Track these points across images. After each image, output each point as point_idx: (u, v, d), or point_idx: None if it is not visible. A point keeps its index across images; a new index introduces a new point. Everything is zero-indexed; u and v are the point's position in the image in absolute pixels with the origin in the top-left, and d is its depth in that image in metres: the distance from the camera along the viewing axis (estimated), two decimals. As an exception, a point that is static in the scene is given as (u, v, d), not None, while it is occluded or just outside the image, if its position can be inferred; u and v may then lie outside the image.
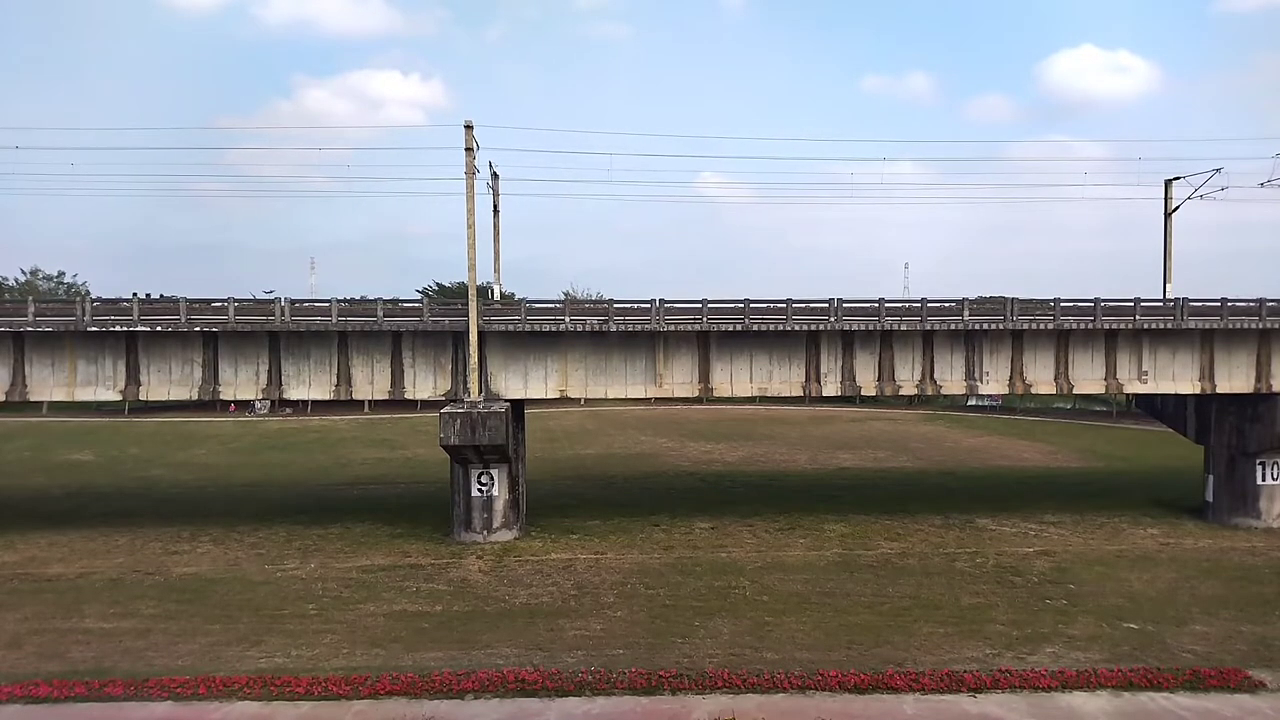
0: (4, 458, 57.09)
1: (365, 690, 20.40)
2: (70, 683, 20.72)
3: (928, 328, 34.46)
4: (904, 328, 34.45)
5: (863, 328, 34.32)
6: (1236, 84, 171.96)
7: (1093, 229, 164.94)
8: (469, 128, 33.61)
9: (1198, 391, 36.12)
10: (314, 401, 64.65)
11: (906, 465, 53.82)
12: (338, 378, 34.53)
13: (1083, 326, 34.77)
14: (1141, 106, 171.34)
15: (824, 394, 35.67)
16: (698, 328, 33.79)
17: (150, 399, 35.25)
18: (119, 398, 34.94)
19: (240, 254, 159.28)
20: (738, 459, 56.35)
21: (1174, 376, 35.92)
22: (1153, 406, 42.08)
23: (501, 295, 43.03)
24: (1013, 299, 34.90)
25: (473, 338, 33.14)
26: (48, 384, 33.82)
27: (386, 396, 34.97)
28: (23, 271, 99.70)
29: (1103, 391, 37.14)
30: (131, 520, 38.03)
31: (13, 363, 33.44)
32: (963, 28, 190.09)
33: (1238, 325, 34.93)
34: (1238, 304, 35.10)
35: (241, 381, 34.36)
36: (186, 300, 33.12)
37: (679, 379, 35.21)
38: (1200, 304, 35.17)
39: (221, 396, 35.58)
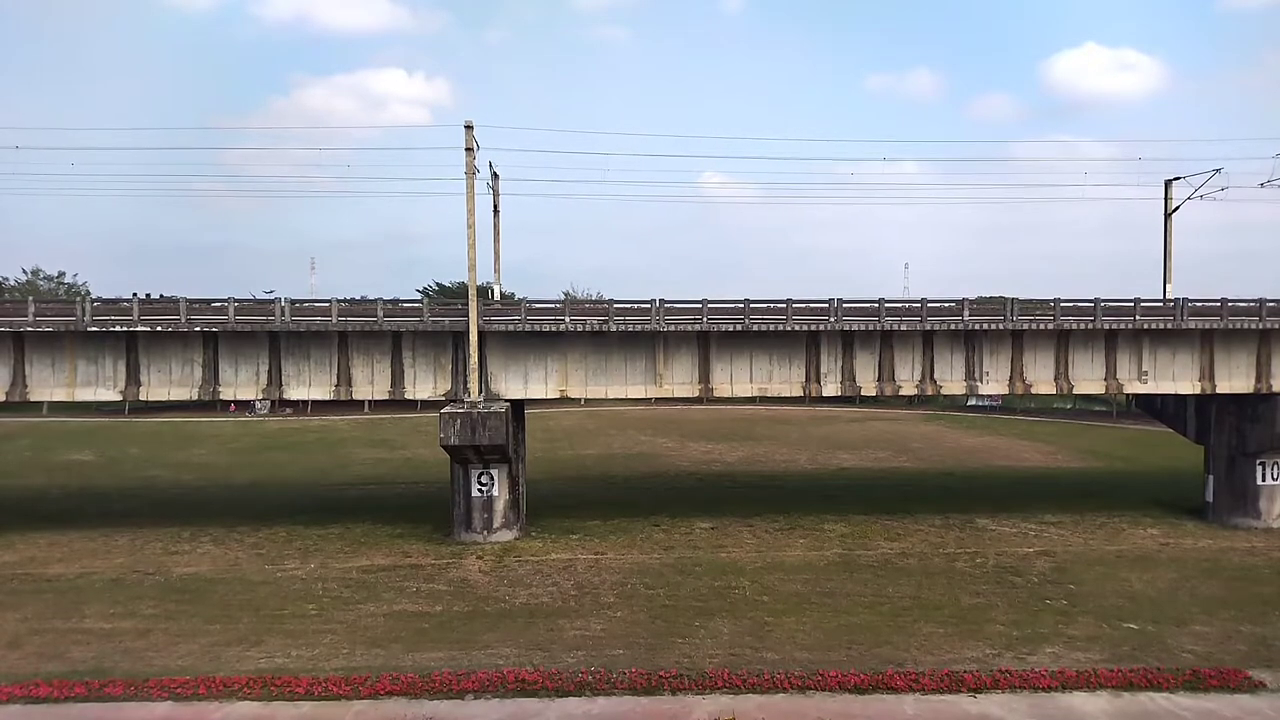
0: (4, 458, 57.05)
1: (365, 690, 20.40)
2: (70, 683, 20.72)
3: (928, 328, 34.45)
4: (904, 328, 34.44)
5: (863, 328, 34.31)
6: (1243, 82, 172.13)
7: (1095, 229, 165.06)
8: (469, 128, 33.62)
9: (1198, 391, 36.11)
10: (314, 401, 64.68)
11: (906, 465, 53.82)
12: (338, 378, 34.52)
13: (1083, 326, 34.76)
14: (1147, 105, 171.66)
15: (824, 394, 35.66)
16: (698, 328, 33.78)
17: (150, 399, 35.24)
18: (119, 398, 34.93)
19: (240, 254, 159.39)
20: (738, 459, 56.34)
21: (1174, 376, 35.91)
22: (1153, 406, 42.06)
23: (501, 295, 43.03)
24: (1013, 299, 34.90)
25: (473, 338, 33.13)
26: (48, 384, 33.81)
27: (386, 396, 34.96)
28: (23, 271, 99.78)
29: (1103, 391, 37.13)
30: (131, 520, 38.01)
31: (13, 363, 33.42)
32: (967, 25, 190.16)
33: (1238, 325, 34.92)
34: (1238, 304, 35.08)
35: (241, 381, 34.35)
36: (186, 300, 33.12)
37: (679, 379, 35.21)
38: (1200, 304, 35.17)
39: (221, 396, 35.58)
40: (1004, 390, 36.24)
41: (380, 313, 33.60)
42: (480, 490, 34.07)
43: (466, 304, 33.29)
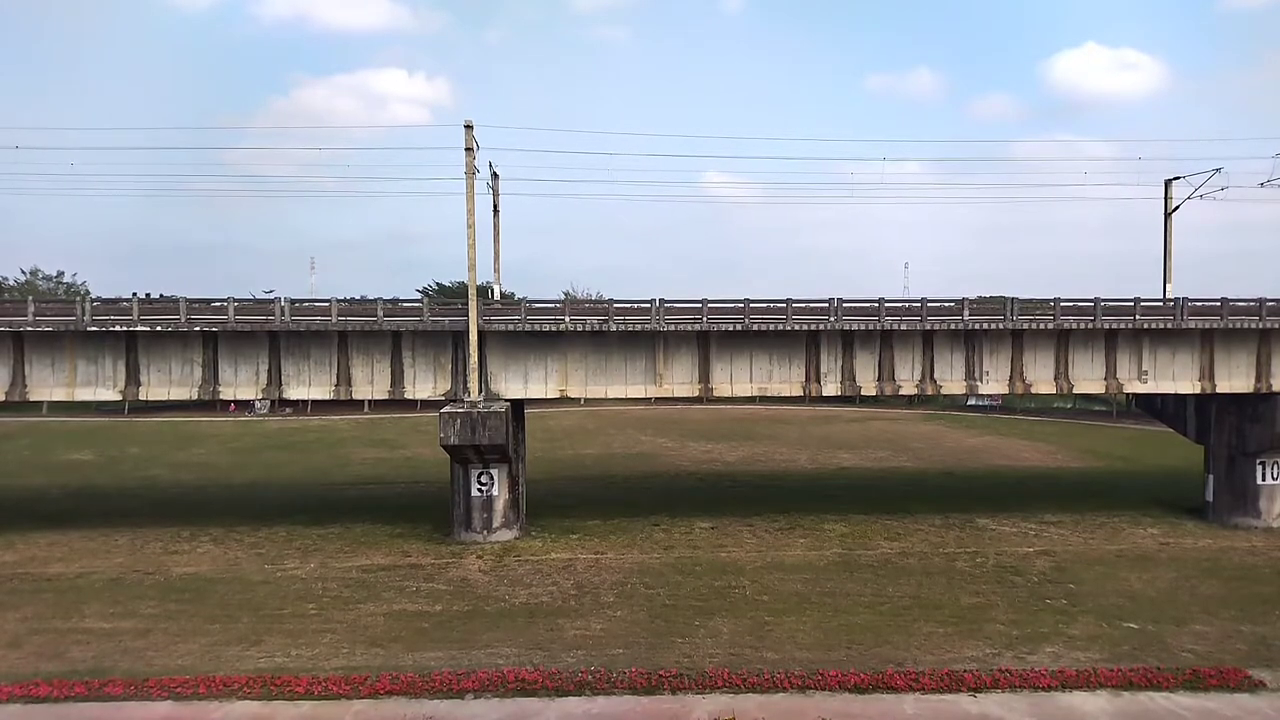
0: (4, 458, 57.05)
1: (365, 690, 20.40)
2: (70, 683, 20.72)
3: (928, 328, 34.45)
4: (904, 328, 34.44)
5: (863, 328, 34.31)
6: (1243, 82, 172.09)
7: (1095, 229, 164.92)
8: (469, 128, 33.62)
9: (1198, 391, 36.10)
10: (314, 401, 64.68)
11: (906, 465, 53.81)
12: (338, 377, 34.52)
13: (1083, 326, 34.76)
14: (1147, 105, 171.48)
15: (824, 394, 35.65)
16: (698, 327, 33.78)
17: (150, 399, 35.24)
18: (119, 398, 34.93)
19: (240, 254, 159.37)
20: (738, 459, 56.34)
21: (1174, 376, 35.91)
22: (1153, 406, 42.06)
23: (501, 295, 43.03)
24: (1013, 299, 34.88)
25: (473, 337, 33.14)
26: (48, 384, 33.81)
27: (386, 396, 34.96)
28: (23, 271, 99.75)
29: (1103, 391, 37.13)
30: (131, 520, 38.00)
31: (13, 363, 33.42)
32: (967, 25, 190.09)
33: (1238, 325, 34.92)
34: (1238, 304, 35.08)
35: (241, 381, 34.35)
36: (186, 300, 33.13)
37: (679, 379, 35.20)
38: (1200, 304, 35.15)
39: (221, 396, 35.57)
40: (1004, 390, 36.23)
41: (380, 312, 33.60)
42: (480, 490, 34.07)
43: (466, 304, 33.29)
